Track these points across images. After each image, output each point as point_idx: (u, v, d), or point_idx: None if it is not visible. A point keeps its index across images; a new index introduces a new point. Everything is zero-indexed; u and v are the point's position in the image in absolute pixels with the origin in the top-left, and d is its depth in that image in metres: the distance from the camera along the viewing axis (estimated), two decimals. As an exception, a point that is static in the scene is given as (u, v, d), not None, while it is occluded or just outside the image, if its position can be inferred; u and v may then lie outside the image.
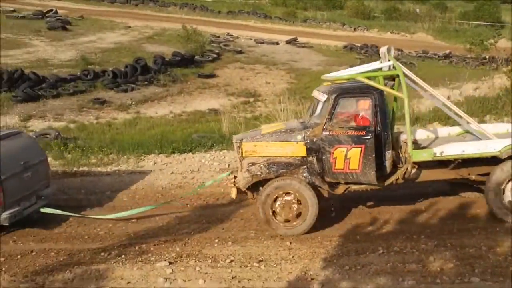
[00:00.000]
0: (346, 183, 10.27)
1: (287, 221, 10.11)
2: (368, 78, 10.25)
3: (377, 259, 9.09)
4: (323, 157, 10.01)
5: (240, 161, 10.60)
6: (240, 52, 34.21)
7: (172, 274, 8.94)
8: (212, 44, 35.38)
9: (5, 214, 10.45)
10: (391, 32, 49.89)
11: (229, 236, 10.34)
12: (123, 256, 9.69)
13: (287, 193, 10.05)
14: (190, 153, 15.17)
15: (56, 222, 11.35)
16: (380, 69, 10.51)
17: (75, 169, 14.41)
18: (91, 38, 35.40)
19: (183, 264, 9.27)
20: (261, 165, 10.15)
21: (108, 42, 34.63)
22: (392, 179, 10.22)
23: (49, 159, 14.73)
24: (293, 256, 9.38)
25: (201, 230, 10.66)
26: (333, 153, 9.92)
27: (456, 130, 11.69)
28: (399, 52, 35.96)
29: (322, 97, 10.32)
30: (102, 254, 9.88)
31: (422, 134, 11.70)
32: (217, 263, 9.28)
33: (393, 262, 8.96)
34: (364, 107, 10.01)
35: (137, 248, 9.99)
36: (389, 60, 10.40)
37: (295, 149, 10.10)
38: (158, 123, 19.45)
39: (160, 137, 16.35)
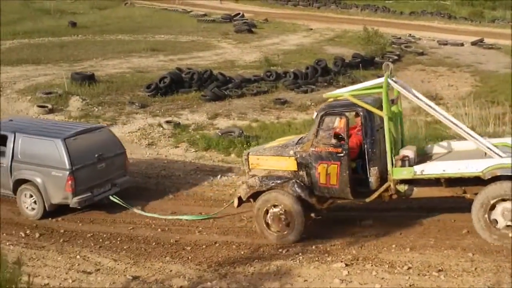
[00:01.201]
0: (331, 197, 10.53)
1: (278, 231, 10.54)
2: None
3: None
4: (311, 172, 10.40)
5: (247, 173, 11.22)
6: (422, 53, 33.23)
7: (348, 276, 8.99)
8: (393, 45, 34.79)
9: (75, 199, 11.97)
10: None
11: (407, 242, 10.14)
12: (300, 254, 9.94)
13: (276, 206, 10.48)
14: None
15: (239, 217, 11.91)
16: (382, 85, 10.36)
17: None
18: (274, 40, 36.55)
19: (360, 267, 9.27)
20: (256, 178, 10.77)
21: (290, 44, 35.50)
22: (374, 195, 10.28)
23: (232, 155, 15.63)
24: (475, 269, 8.96)
25: (378, 234, 10.55)
26: (317, 168, 10.31)
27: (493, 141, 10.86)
28: None
29: (315, 114, 10.80)
30: (280, 250, 10.21)
31: (442, 147, 11.37)
32: (394, 269, 9.16)
33: None
34: (340, 125, 10.32)
35: (314, 247, 10.18)
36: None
37: (288, 164, 10.58)
38: (336, 124, 19.52)
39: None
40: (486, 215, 9.66)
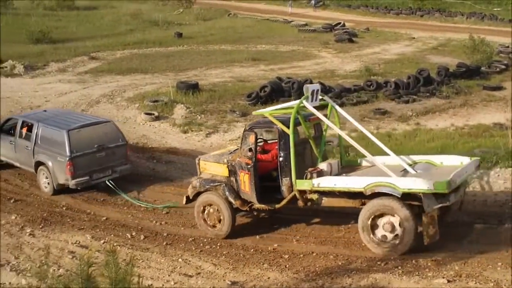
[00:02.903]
0: (249, 202, 11.73)
1: (212, 226, 12.04)
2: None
3: None
4: (237, 178, 11.79)
5: (198, 175, 12.69)
6: (532, 63, 31.65)
7: (450, 293, 8.77)
8: (501, 54, 33.36)
9: (73, 181, 14.04)
10: None
11: (514, 261, 9.74)
12: (399, 268, 9.78)
13: (210, 205, 12.00)
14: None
15: (336, 227, 11.92)
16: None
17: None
18: (375, 49, 36.12)
19: (462, 284, 9.00)
20: (198, 181, 12.35)
21: (392, 53, 34.94)
22: (282, 203, 11.48)
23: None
24: None
25: (482, 251, 10.21)
26: (240, 175, 11.68)
27: (418, 158, 11.87)
28: None
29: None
30: (379, 263, 10.10)
31: (369, 162, 11.91)
32: (499, 288, 8.83)
33: None
34: (251, 140, 11.45)
35: (414, 261, 9.99)
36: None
37: (223, 170, 12.04)
38: (438, 135, 19.00)
39: (440, 150, 15.98)
40: (370, 228, 10.35)
